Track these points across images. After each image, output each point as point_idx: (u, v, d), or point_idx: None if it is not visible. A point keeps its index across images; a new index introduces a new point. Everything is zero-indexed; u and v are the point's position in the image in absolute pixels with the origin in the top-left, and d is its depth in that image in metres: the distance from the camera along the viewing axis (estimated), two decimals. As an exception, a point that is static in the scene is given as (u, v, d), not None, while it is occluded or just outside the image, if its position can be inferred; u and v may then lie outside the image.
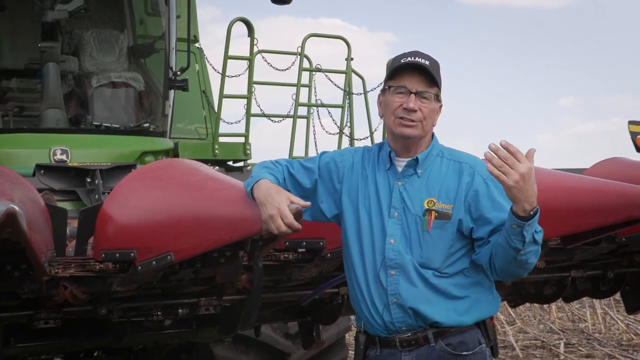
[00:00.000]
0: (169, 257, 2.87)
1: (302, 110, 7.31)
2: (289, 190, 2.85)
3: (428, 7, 29.93)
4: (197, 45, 7.13)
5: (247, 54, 6.63)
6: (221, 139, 6.59)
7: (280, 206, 2.64)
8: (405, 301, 2.88)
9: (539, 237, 2.77)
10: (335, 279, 3.72)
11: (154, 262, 2.93)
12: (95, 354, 5.51)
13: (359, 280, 2.96)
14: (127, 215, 3.06)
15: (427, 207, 2.90)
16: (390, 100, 2.94)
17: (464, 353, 2.89)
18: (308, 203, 2.75)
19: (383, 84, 3.03)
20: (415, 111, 2.90)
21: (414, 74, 2.92)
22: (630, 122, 6.60)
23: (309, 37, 6.95)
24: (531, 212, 2.68)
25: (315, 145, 7.58)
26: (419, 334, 2.90)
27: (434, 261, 2.89)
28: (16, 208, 2.34)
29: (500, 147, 2.61)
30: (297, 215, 2.62)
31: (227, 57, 6.39)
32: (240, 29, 6.51)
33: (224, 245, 2.82)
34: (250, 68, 6.55)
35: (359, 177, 3.00)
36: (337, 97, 7.58)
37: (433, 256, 2.88)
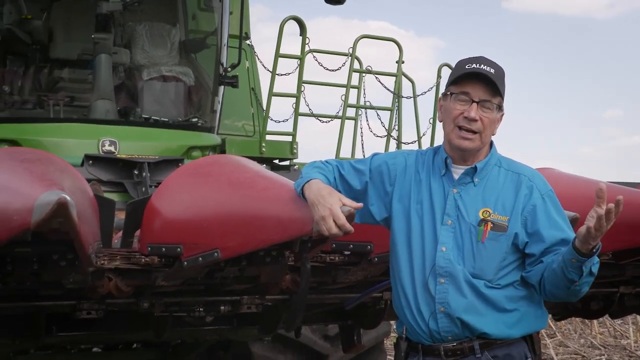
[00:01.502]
0: (215, 254, 2.84)
1: (351, 112, 7.26)
2: (338, 191, 2.79)
3: (476, 13, 29.64)
4: (248, 42, 7.12)
5: (296, 53, 6.59)
6: (268, 137, 6.56)
7: (332, 207, 2.59)
8: (453, 311, 2.82)
9: (595, 269, 2.74)
10: (381, 284, 3.66)
11: (200, 259, 2.90)
12: (134, 346, 5.53)
13: (405, 286, 2.90)
14: (175, 210, 3.03)
15: (482, 217, 2.83)
16: (452, 107, 2.88)
17: None
18: (360, 205, 2.69)
19: (445, 87, 2.96)
20: (476, 121, 2.83)
21: (477, 82, 2.85)
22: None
23: (360, 39, 6.90)
24: (593, 250, 2.65)
25: (362, 147, 7.54)
26: (465, 344, 2.84)
27: (487, 272, 2.82)
28: (67, 198, 2.32)
29: (610, 207, 2.57)
30: (350, 217, 2.57)
31: (278, 55, 6.36)
32: (289, 27, 6.47)
33: (272, 245, 2.78)
34: (301, 67, 6.51)
35: (412, 181, 2.94)
36: (385, 99, 7.52)
37: (486, 267, 2.81)
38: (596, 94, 30.56)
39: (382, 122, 7.20)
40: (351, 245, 3.33)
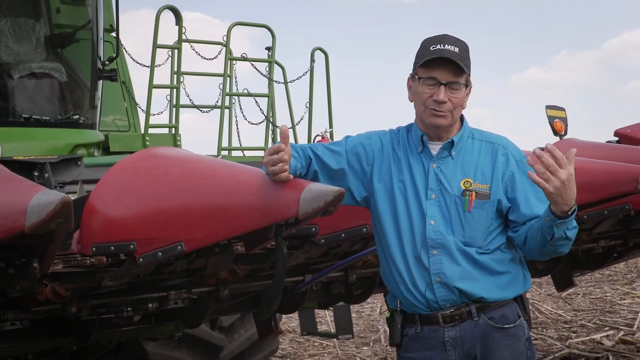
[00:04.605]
0: (179, 247, 2.74)
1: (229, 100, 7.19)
2: (315, 172, 2.90)
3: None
4: (112, 34, 6.91)
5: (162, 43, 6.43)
6: (149, 131, 6.42)
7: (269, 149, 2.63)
8: (450, 280, 2.92)
9: (572, 234, 2.86)
10: (333, 266, 3.68)
11: (159, 253, 2.80)
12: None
13: (397, 262, 2.97)
14: (123, 206, 2.91)
15: (464, 187, 2.94)
16: (420, 91, 2.96)
17: (506, 326, 2.96)
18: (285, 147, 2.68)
19: (413, 67, 3.01)
20: (445, 102, 2.91)
21: (443, 64, 2.91)
22: (548, 107, 6.73)
23: (234, 26, 6.85)
24: (568, 212, 2.76)
25: (238, 135, 7.51)
26: (462, 309, 2.95)
27: (477, 240, 2.94)
28: (68, 197, 2.19)
29: (543, 153, 2.66)
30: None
31: (156, 45, 6.22)
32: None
33: (246, 233, 2.72)
34: (179, 57, 6.39)
35: (391, 159, 3.01)
36: (262, 86, 7.51)
37: (475, 235, 2.93)
38: (405, 75, 31.58)
39: (261, 109, 7.18)
40: (293, 230, 3.30)
